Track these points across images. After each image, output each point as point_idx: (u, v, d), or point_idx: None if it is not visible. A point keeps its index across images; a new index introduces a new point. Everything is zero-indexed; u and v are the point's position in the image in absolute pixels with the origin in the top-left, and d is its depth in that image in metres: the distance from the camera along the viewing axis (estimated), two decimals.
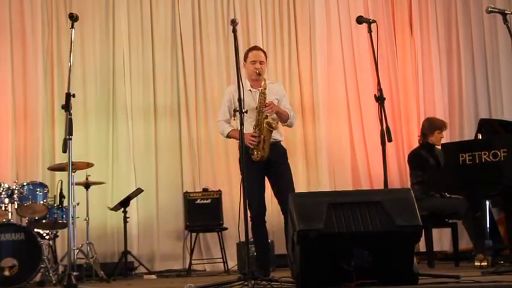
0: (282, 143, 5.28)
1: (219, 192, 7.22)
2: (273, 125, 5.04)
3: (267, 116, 5.05)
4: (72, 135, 4.57)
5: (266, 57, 5.31)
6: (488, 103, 8.10)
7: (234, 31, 4.61)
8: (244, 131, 4.95)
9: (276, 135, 5.14)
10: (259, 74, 5.14)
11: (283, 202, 4.91)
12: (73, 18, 4.81)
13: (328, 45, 8.14)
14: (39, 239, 5.63)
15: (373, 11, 8.15)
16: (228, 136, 5.22)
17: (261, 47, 7.08)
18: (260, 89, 5.14)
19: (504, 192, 5.45)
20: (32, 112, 7.34)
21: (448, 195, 6.23)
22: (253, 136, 5.00)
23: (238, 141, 4.91)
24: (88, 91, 7.55)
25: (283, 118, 5.21)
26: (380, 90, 4.63)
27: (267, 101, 5.06)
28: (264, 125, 5.01)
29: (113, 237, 7.32)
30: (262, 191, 5.08)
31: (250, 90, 5.21)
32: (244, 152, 4.82)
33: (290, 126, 5.40)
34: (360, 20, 4.90)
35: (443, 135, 6.45)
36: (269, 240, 5.60)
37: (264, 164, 5.06)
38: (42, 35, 7.47)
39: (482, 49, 8.17)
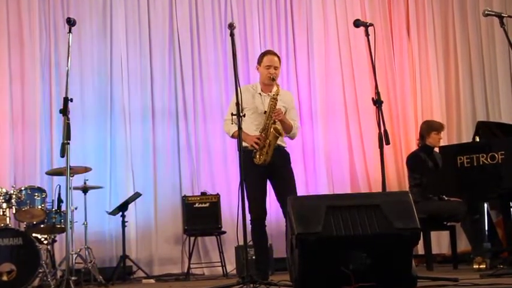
0: (286, 149, 5.28)
1: (218, 196, 7.22)
2: (280, 131, 5.04)
3: (275, 121, 5.05)
4: (70, 139, 4.58)
5: (280, 62, 5.31)
6: (486, 106, 8.10)
7: (232, 35, 4.62)
8: (249, 133, 4.98)
9: (280, 141, 5.14)
10: (273, 79, 5.14)
11: (285, 205, 4.91)
12: (70, 22, 4.82)
13: (325, 48, 8.15)
14: (37, 243, 5.62)
15: (370, 15, 8.17)
16: (233, 136, 5.17)
17: (258, 50, 7.11)
18: (270, 94, 5.14)
19: (502, 194, 5.45)
20: (30, 116, 7.33)
21: (446, 198, 6.23)
22: (258, 138, 5.00)
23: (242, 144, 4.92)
24: (86, 95, 7.54)
25: (287, 128, 5.21)
26: (378, 93, 4.64)
27: (277, 107, 5.06)
28: (272, 130, 5.01)
29: (111, 242, 7.30)
30: (263, 195, 5.09)
31: (260, 94, 5.21)
32: (246, 156, 4.84)
33: (292, 138, 5.39)
34: (357, 23, 4.92)
35: (441, 136, 6.46)
36: (268, 244, 5.59)
37: (267, 168, 5.06)
38: (40, 39, 7.46)
39: (479, 52, 8.18)
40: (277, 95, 5.08)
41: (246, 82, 7.18)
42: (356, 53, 8.12)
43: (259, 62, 5.26)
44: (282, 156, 5.16)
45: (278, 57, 5.29)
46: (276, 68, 5.19)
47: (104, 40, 7.67)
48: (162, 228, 7.50)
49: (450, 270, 5.96)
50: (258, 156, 5.02)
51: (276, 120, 5.05)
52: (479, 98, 8.12)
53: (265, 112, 5.08)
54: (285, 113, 5.18)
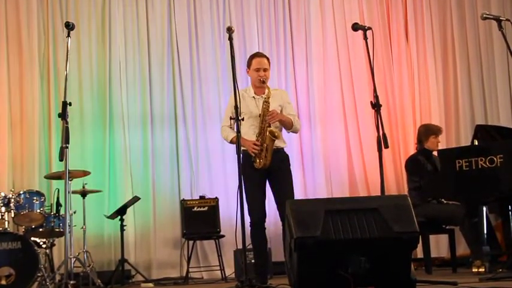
0: (285, 150, 5.28)
1: (216, 199, 7.21)
2: (276, 134, 5.02)
3: (270, 124, 5.05)
4: (68, 143, 4.58)
5: (269, 63, 5.28)
6: (484, 109, 8.11)
7: (230, 39, 4.63)
8: (247, 138, 4.97)
9: (278, 143, 5.13)
10: (263, 82, 5.14)
11: (282, 208, 4.91)
12: (69, 26, 4.83)
13: (324, 52, 8.16)
14: (36, 247, 5.61)
15: (368, 19, 8.18)
16: (231, 142, 5.16)
17: None
18: (263, 96, 5.14)
19: (501, 198, 5.45)
20: (29, 120, 7.32)
21: (445, 202, 6.23)
22: (255, 144, 5.00)
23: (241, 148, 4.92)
24: (84, 99, 7.53)
25: (287, 126, 5.21)
26: (376, 97, 4.65)
27: (270, 109, 5.06)
28: (267, 133, 5.00)
29: (110, 246, 7.29)
30: (263, 197, 5.08)
31: (253, 97, 5.21)
32: (246, 159, 4.85)
33: (295, 132, 5.40)
34: (355, 27, 4.92)
35: (439, 140, 6.45)
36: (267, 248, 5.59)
37: (266, 170, 5.05)
38: (39, 44, 7.46)
39: (477, 55, 8.19)
40: (268, 97, 5.08)
41: (245, 86, 7.17)
42: (354, 57, 8.13)
43: (249, 65, 5.27)
44: (280, 159, 5.15)
45: (267, 58, 5.27)
46: (265, 69, 5.17)
47: (102, 44, 7.67)
48: (161, 232, 7.49)
49: (449, 273, 5.95)
50: (257, 160, 5.02)
51: (271, 123, 5.05)
52: (478, 101, 8.12)
53: (260, 115, 5.08)
54: (281, 111, 5.18)
